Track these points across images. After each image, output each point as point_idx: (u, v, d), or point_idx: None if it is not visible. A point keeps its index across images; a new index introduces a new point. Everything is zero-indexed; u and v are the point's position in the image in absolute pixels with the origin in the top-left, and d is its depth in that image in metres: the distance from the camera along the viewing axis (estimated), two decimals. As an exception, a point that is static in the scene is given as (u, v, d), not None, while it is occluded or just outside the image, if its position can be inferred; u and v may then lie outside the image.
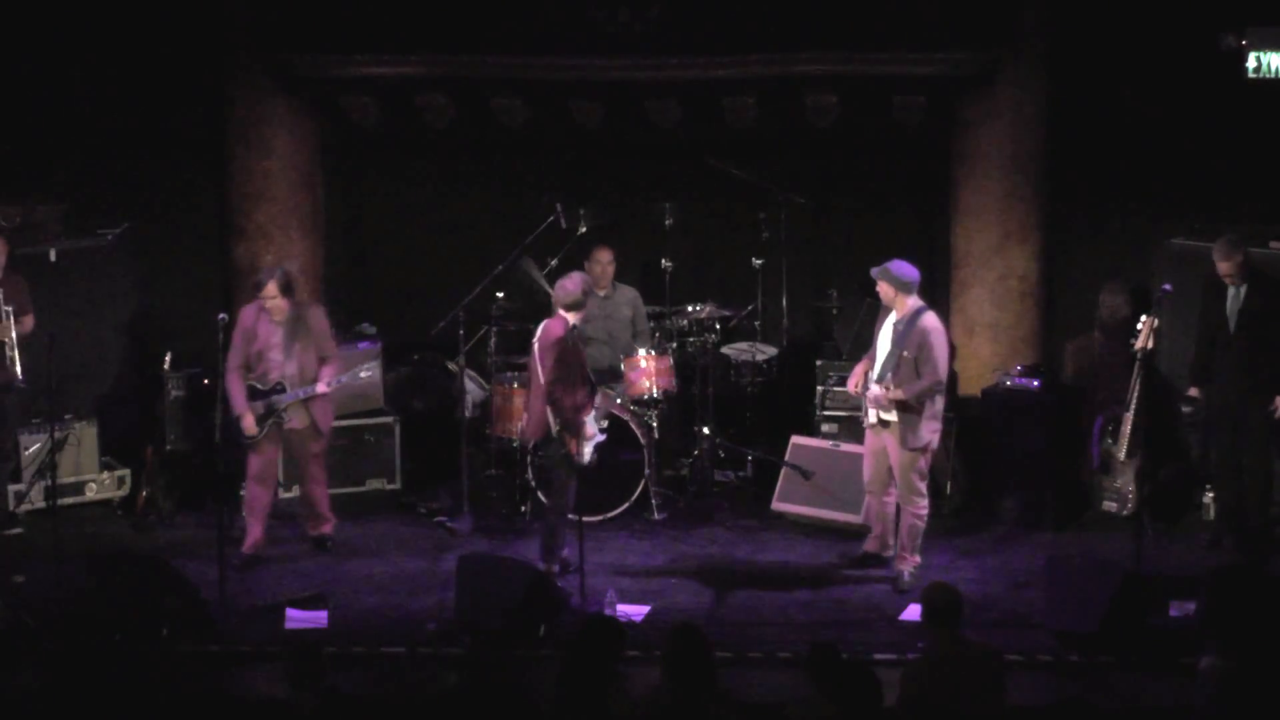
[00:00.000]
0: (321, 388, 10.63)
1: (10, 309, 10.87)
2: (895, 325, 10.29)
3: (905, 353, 10.17)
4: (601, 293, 11.91)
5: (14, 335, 10.92)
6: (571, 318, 10.28)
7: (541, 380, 10.22)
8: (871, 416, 10.34)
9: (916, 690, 7.50)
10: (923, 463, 10.26)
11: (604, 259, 11.99)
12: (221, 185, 12.69)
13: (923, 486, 10.29)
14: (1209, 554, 10.65)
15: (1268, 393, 10.53)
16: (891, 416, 10.24)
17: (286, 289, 10.56)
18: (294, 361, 10.58)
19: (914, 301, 10.29)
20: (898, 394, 10.13)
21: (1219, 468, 10.94)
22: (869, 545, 10.67)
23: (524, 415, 10.91)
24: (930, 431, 10.21)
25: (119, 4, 12.48)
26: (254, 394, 10.56)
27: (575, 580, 9.99)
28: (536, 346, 10.32)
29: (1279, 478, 10.86)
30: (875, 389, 10.26)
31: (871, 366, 10.35)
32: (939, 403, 10.24)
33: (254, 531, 10.73)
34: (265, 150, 12.56)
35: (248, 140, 12.55)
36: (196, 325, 10.49)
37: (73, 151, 12.57)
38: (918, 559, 10.35)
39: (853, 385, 10.51)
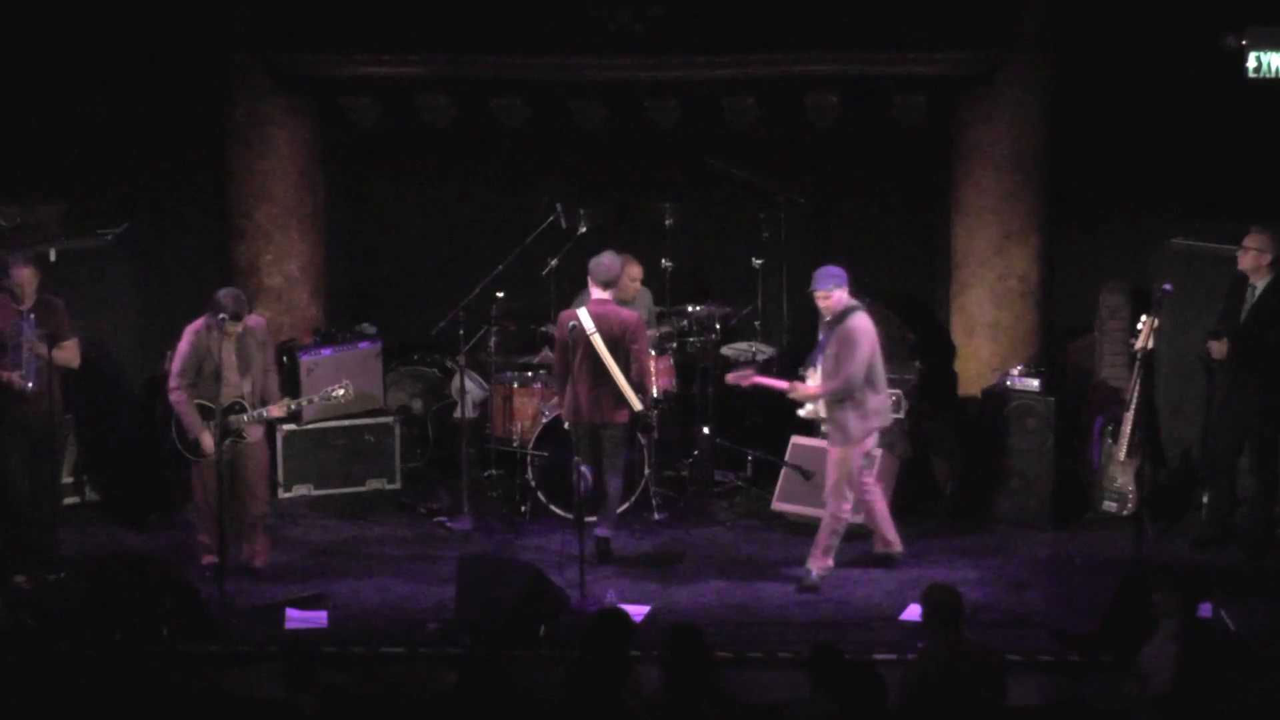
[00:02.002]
0: (278, 411, 10.42)
1: (43, 332, 10.46)
2: (829, 324, 10.31)
3: (830, 349, 10.19)
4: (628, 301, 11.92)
5: (47, 354, 10.45)
6: (607, 294, 10.64)
7: (622, 361, 10.55)
8: (805, 411, 10.45)
9: (917, 691, 7.50)
10: (855, 463, 10.20)
11: (636, 274, 11.92)
12: (221, 185, 12.69)
13: (849, 491, 10.22)
14: (1200, 553, 10.63)
15: (1263, 393, 10.47)
16: (822, 412, 10.29)
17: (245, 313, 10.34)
18: (249, 379, 10.33)
19: (841, 298, 10.26)
20: (811, 390, 10.23)
21: (1215, 464, 10.90)
22: (876, 546, 10.64)
23: (575, 400, 10.68)
24: (861, 430, 10.16)
25: (119, 4, 12.47)
26: (209, 413, 10.18)
27: (575, 580, 10.00)
28: (600, 336, 10.52)
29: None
30: (800, 385, 10.35)
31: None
32: (871, 400, 10.17)
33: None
34: (265, 150, 12.55)
35: (248, 140, 12.54)
36: (197, 325, 10.48)
37: (73, 151, 12.57)
38: (829, 563, 10.30)
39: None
